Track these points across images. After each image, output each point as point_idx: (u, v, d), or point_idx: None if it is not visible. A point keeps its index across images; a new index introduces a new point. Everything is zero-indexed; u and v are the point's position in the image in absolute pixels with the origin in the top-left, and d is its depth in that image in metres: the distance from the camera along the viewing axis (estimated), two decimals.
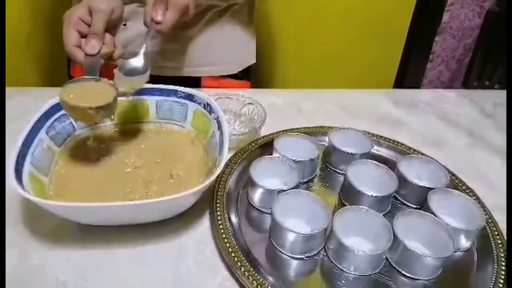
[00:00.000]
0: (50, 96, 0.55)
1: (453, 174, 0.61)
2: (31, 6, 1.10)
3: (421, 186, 0.55)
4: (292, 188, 0.52)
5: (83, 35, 0.53)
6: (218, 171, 0.47)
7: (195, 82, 0.81)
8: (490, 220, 0.54)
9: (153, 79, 0.60)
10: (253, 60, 0.88)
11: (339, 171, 0.62)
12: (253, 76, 0.92)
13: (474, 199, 0.56)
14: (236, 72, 0.86)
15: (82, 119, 0.52)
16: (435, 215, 0.50)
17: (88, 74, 0.53)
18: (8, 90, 0.73)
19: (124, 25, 0.75)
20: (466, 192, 0.58)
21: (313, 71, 1.31)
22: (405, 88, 1.32)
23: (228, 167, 0.59)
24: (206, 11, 0.77)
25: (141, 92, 0.61)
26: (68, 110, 0.51)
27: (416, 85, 1.42)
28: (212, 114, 0.59)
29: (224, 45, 0.82)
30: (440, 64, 1.47)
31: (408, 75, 1.20)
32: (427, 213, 0.50)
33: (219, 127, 0.56)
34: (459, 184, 0.60)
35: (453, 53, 1.44)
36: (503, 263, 0.49)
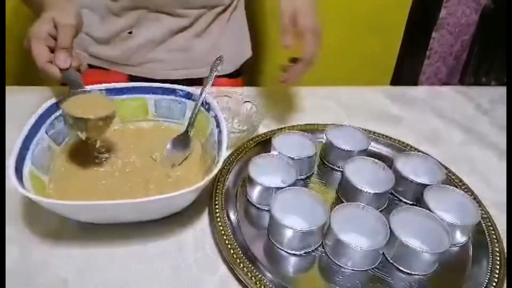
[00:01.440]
0: (49, 95, 0.55)
1: (449, 170, 0.62)
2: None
3: (418, 182, 0.56)
4: (290, 185, 0.53)
5: (51, 51, 0.52)
6: (216, 169, 0.48)
7: (195, 83, 0.81)
8: (485, 216, 0.55)
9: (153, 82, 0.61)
10: (249, 54, 0.89)
11: (336, 168, 0.63)
12: (247, 73, 0.92)
13: (470, 194, 0.57)
14: (234, 70, 0.86)
15: (90, 132, 0.52)
16: (431, 211, 0.51)
17: (75, 88, 0.53)
18: (8, 88, 0.73)
19: (130, 32, 0.76)
20: (462, 188, 0.59)
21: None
22: (403, 84, 1.33)
23: (227, 165, 0.60)
24: (204, 13, 0.78)
25: (140, 91, 0.62)
26: (75, 125, 0.51)
27: (414, 81, 1.43)
28: (211, 112, 0.59)
29: (222, 46, 0.82)
30: (438, 61, 1.47)
31: (405, 71, 1.20)
32: (423, 209, 0.51)
33: (218, 125, 0.57)
34: (455, 180, 0.61)
35: (450, 50, 1.45)
36: (498, 258, 0.49)
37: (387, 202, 0.57)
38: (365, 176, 0.57)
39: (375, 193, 0.54)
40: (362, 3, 1.24)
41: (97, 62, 0.79)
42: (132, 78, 0.80)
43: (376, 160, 0.58)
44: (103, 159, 0.57)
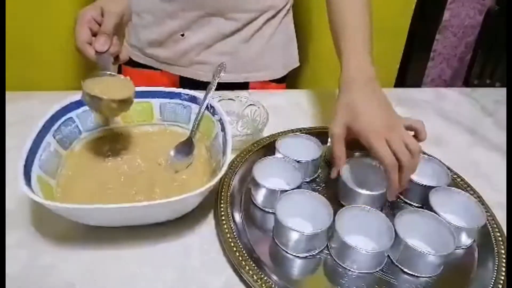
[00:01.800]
0: (55, 100, 0.56)
1: (455, 173, 0.62)
2: (38, 14, 1.12)
3: (423, 185, 0.56)
4: (295, 188, 0.53)
5: (93, 34, 0.55)
6: (221, 172, 0.48)
7: (242, 87, 0.83)
8: (491, 218, 0.55)
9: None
10: (296, 63, 0.90)
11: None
12: (291, 78, 0.93)
13: (475, 197, 0.57)
14: (282, 76, 0.87)
15: (104, 112, 0.53)
16: (436, 214, 0.51)
17: (103, 70, 0.55)
18: (13, 94, 0.74)
19: (182, 35, 0.78)
20: (467, 190, 0.59)
21: (314, 70, 1.31)
22: (407, 86, 1.33)
23: (232, 168, 0.60)
24: (255, 18, 0.79)
25: (145, 94, 0.62)
26: (91, 102, 0.52)
27: (418, 83, 1.43)
28: (216, 115, 0.59)
29: (268, 52, 0.83)
30: (442, 62, 1.47)
31: (410, 73, 1.20)
32: (427, 211, 0.51)
33: (223, 128, 0.57)
34: (460, 183, 0.61)
35: (454, 51, 1.45)
36: (504, 260, 0.49)
37: (393, 205, 0.57)
38: (363, 177, 0.57)
39: (376, 195, 0.54)
40: None
41: (150, 62, 0.83)
42: (182, 80, 0.84)
43: (374, 162, 0.57)
44: (109, 163, 0.57)
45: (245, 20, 0.78)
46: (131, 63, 0.84)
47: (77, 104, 0.58)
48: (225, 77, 0.80)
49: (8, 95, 0.73)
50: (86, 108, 0.59)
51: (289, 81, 0.92)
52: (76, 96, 0.58)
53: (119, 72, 0.89)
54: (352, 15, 0.64)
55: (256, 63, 0.83)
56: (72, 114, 0.58)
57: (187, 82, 0.83)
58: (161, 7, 0.77)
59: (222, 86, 0.67)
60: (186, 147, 0.59)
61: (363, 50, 0.60)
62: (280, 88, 0.89)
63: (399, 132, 0.53)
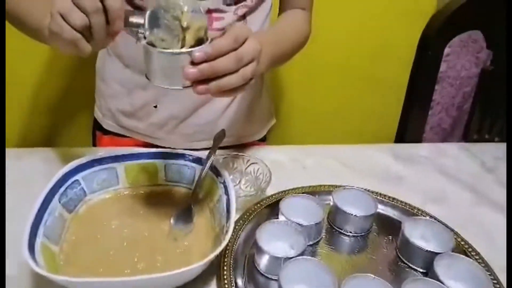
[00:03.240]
0: (58, 157, 0.56)
1: (458, 235, 0.62)
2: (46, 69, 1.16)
3: (427, 250, 0.56)
4: (299, 255, 0.53)
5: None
6: (225, 241, 0.48)
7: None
8: (497, 285, 0.54)
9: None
10: (273, 120, 0.92)
11: (345, 233, 0.63)
12: (271, 136, 0.95)
13: (480, 262, 0.57)
14: (262, 136, 0.90)
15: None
16: (441, 282, 0.50)
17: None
18: (15, 151, 0.75)
19: (155, 106, 0.77)
20: (472, 255, 0.58)
21: (313, 124, 1.35)
22: (407, 135, 1.34)
23: (235, 229, 0.60)
24: None
25: (150, 155, 0.63)
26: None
27: (419, 132, 1.44)
28: (219, 177, 0.60)
29: (246, 116, 0.84)
30: (441, 111, 1.50)
31: (410, 124, 1.23)
32: (433, 280, 0.51)
33: (226, 191, 0.58)
34: (465, 246, 0.60)
35: (452, 101, 1.48)
36: None
37: (397, 270, 0.56)
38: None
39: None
40: (364, 61, 1.29)
41: (126, 133, 0.82)
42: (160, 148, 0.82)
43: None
44: (113, 227, 0.57)
45: None
46: (103, 130, 0.83)
47: (83, 166, 0.60)
48: (201, 144, 0.80)
49: (10, 151, 0.74)
50: (92, 170, 0.60)
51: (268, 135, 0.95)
52: (82, 158, 0.60)
53: (94, 139, 0.89)
54: (285, 24, 0.74)
55: (235, 130, 0.83)
56: (78, 176, 0.59)
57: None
58: (132, 78, 0.75)
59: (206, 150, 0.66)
60: (186, 215, 0.58)
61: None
62: (262, 144, 0.90)
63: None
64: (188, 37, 0.47)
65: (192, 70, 0.46)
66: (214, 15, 0.70)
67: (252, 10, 0.75)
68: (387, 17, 1.23)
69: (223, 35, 0.49)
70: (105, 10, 0.45)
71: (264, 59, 0.56)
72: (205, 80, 0.47)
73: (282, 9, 0.79)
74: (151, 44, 0.47)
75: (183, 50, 0.46)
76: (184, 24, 0.46)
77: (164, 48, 0.47)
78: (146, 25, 0.47)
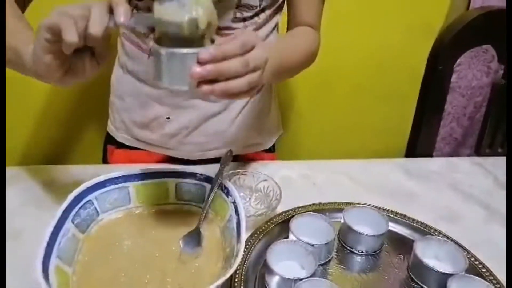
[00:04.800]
0: (70, 176, 0.57)
1: (472, 255, 0.61)
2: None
3: (441, 272, 0.55)
4: (310, 276, 0.53)
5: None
6: (236, 263, 0.48)
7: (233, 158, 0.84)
8: None
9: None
10: (280, 131, 0.93)
11: (355, 252, 0.62)
12: (280, 147, 0.96)
13: (494, 283, 0.56)
14: (270, 146, 0.90)
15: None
16: None
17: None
18: (27, 168, 0.76)
19: (168, 118, 0.79)
20: (486, 276, 0.57)
21: (323, 137, 1.35)
22: (418, 146, 1.33)
23: (245, 249, 0.60)
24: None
25: (160, 175, 0.64)
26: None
27: (430, 142, 1.43)
28: (230, 197, 0.60)
29: (256, 125, 0.85)
30: (452, 121, 1.48)
31: (421, 135, 1.22)
32: None
33: (236, 211, 0.58)
34: (479, 266, 0.59)
35: (463, 111, 1.47)
36: None
37: None
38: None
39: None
40: (374, 75, 1.28)
41: (139, 145, 0.84)
42: (171, 159, 0.84)
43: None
44: (124, 247, 0.58)
45: (225, 101, 0.78)
46: (116, 143, 0.85)
47: (96, 186, 0.60)
48: (212, 153, 0.82)
49: (14, 170, 0.75)
50: (104, 189, 0.61)
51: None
52: (96, 178, 0.60)
53: (104, 153, 0.90)
54: (294, 38, 0.75)
55: (244, 139, 0.84)
56: (91, 196, 0.60)
57: (176, 161, 0.83)
58: (146, 91, 0.78)
59: (213, 160, 0.66)
60: (195, 238, 0.58)
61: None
62: (271, 156, 0.90)
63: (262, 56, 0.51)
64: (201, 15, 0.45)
65: (199, 70, 0.46)
66: (224, 31, 0.71)
67: (260, 26, 0.76)
68: (397, 30, 1.23)
69: (232, 40, 0.49)
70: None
71: (270, 68, 0.56)
72: (211, 82, 0.48)
73: (290, 28, 0.80)
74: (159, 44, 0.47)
75: (191, 50, 0.46)
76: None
77: (167, 36, 0.46)
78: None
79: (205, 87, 0.47)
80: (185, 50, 0.46)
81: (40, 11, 0.56)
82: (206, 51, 0.47)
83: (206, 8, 0.46)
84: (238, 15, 0.71)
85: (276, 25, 0.80)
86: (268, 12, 0.75)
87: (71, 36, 0.44)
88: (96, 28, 0.45)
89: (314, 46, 0.78)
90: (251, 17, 0.73)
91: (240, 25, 0.73)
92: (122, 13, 0.45)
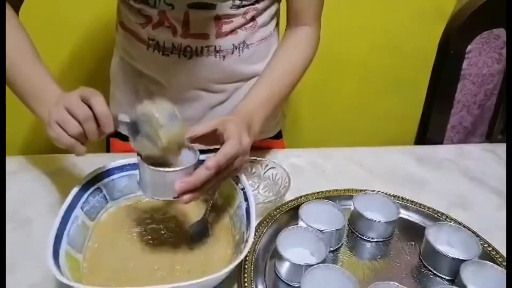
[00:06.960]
0: (77, 164, 0.57)
1: (485, 241, 0.60)
2: None
3: (453, 257, 0.54)
4: (320, 262, 0.52)
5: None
6: (246, 250, 0.48)
7: None
8: None
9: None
10: (284, 116, 0.92)
11: (366, 239, 0.62)
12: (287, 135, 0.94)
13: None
14: (276, 133, 0.89)
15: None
16: None
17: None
18: (33, 157, 0.76)
19: None
20: (499, 261, 0.56)
21: (332, 124, 1.33)
22: (429, 135, 1.32)
23: (255, 236, 0.59)
24: (240, 87, 0.79)
25: None
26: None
27: (440, 131, 1.41)
28: (239, 184, 0.60)
29: None
30: (462, 110, 1.46)
31: (431, 123, 1.20)
32: None
33: (246, 197, 0.57)
34: (492, 252, 0.58)
35: (474, 99, 1.44)
36: None
37: (423, 277, 0.55)
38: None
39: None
40: (383, 61, 1.26)
41: None
42: None
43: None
44: (134, 234, 0.58)
45: (230, 90, 0.78)
46: (119, 136, 0.84)
47: (105, 174, 0.60)
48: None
49: (27, 158, 0.75)
50: (113, 177, 0.61)
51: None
52: (103, 165, 0.60)
53: (107, 145, 0.90)
54: (278, 67, 0.72)
55: None
56: (100, 184, 0.60)
57: None
58: (144, 85, 0.77)
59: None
60: (203, 225, 0.58)
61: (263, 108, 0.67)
62: (279, 144, 0.89)
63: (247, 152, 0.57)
64: (169, 146, 0.51)
65: (182, 185, 0.50)
66: (223, 19, 0.70)
67: (260, 12, 0.74)
68: (406, 16, 1.21)
69: (215, 156, 0.52)
70: (95, 117, 0.51)
71: (255, 127, 0.62)
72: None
73: (288, 24, 0.76)
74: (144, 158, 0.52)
75: (174, 169, 0.52)
76: (164, 140, 0.51)
77: (147, 155, 0.52)
78: (130, 134, 0.53)
79: (186, 197, 0.51)
80: (168, 169, 0.52)
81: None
82: (189, 171, 0.51)
83: (172, 134, 0.52)
84: (237, 2, 0.69)
85: (276, 12, 0.78)
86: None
87: (79, 152, 0.52)
88: (93, 138, 0.52)
89: (310, 53, 0.75)
90: (251, 4, 0.71)
91: (240, 11, 0.71)
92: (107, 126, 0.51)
